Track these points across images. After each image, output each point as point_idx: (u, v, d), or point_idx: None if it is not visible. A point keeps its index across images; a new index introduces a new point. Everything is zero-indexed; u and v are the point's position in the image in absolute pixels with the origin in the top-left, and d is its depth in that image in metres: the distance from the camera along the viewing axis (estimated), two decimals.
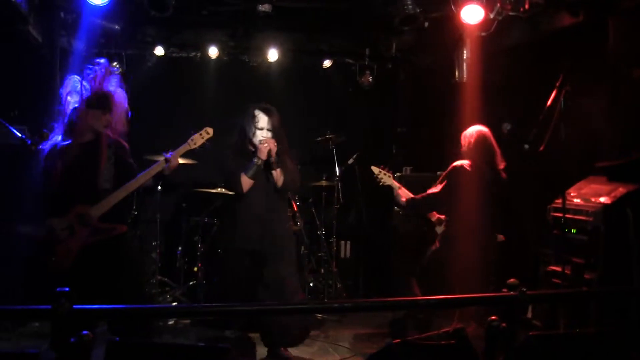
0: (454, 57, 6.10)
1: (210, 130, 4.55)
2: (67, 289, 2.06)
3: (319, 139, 6.71)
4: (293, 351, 4.74)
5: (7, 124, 4.16)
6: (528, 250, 5.39)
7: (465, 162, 4.84)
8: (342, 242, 7.41)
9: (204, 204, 6.79)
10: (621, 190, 4.31)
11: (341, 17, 6.50)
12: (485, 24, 5.39)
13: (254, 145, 4.60)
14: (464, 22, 5.28)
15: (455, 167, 4.86)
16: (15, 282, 5.09)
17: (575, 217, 4.47)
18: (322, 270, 6.75)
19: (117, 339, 2.24)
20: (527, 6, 5.04)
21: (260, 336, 4.75)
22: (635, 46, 4.60)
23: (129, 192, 4.18)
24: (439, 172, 5.70)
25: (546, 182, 5.06)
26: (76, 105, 4.16)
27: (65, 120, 4.17)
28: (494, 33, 5.52)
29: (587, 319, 4.18)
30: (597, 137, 4.90)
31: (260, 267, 4.58)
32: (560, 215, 4.37)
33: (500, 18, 5.26)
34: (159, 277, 6.29)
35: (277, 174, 4.60)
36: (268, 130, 4.61)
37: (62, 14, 5.81)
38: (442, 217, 5.10)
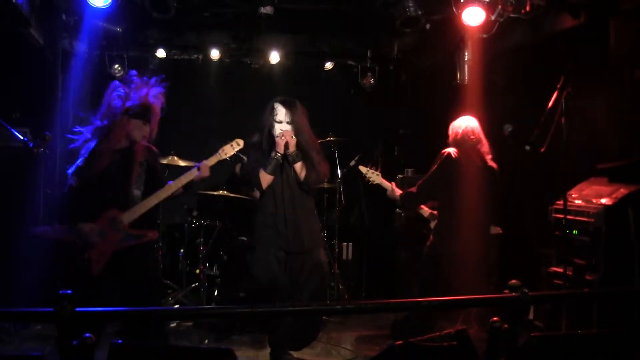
0: (455, 59, 6.11)
1: (241, 142, 4.57)
2: (69, 291, 2.06)
3: (320, 140, 6.71)
4: (295, 353, 4.74)
5: (9, 127, 4.16)
6: (530, 251, 5.39)
7: (452, 150, 4.81)
8: (345, 243, 7.41)
9: (206, 206, 6.80)
10: (622, 191, 4.31)
11: (343, 19, 6.51)
12: (487, 25, 5.39)
13: (273, 139, 4.48)
14: (465, 24, 5.28)
15: (444, 153, 4.83)
16: (24, 284, 5.07)
17: (577, 218, 4.47)
18: None
19: (120, 341, 2.25)
20: (528, 8, 5.05)
21: (267, 338, 4.72)
22: (637, 47, 4.60)
23: (160, 201, 4.20)
24: None
25: (548, 183, 5.07)
26: (117, 112, 4.13)
27: (104, 124, 4.15)
28: (495, 35, 5.52)
29: (589, 320, 4.18)
30: (599, 139, 4.90)
31: (290, 268, 4.50)
32: (562, 216, 4.36)
33: (501, 20, 5.26)
34: (161, 280, 6.29)
35: (298, 168, 4.45)
36: (287, 123, 4.45)
37: (63, 16, 5.81)
38: (435, 212, 5.08)
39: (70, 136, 4.21)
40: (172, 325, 5.66)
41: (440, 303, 2.82)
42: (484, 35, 5.60)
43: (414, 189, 4.94)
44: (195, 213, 6.57)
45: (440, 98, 6.70)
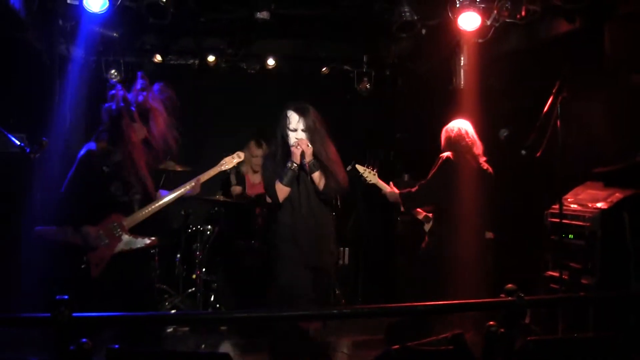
0: (451, 64, 6.14)
1: (242, 155, 4.57)
2: (66, 296, 2.06)
3: None
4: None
5: (5, 132, 4.16)
6: (526, 255, 5.39)
7: (448, 153, 4.82)
8: (341, 248, 7.40)
9: (202, 211, 6.79)
10: (618, 195, 4.33)
11: (339, 24, 6.52)
12: (482, 30, 5.41)
13: (289, 149, 4.18)
14: (461, 29, 5.30)
15: (442, 157, 4.84)
16: (23, 287, 5.05)
17: (573, 222, 4.48)
18: None
19: (117, 346, 2.25)
20: (523, 13, 5.07)
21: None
22: (632, 52, 4.63)
23: (157, 210, 4.22)
24: None
25: (543, 187, 5.07)
26: (114, 114, 4.14)
27: (107, 128, 4.17)
28: (491, 40, 5.54)
29: (586, 323, 4.19)
30: (594, 143, 4.91)
31: (311, 282, 4.26)
32: (558, 220, 4.37)
33: (497, 25, 5.28)
34: (158, 285, 6.28)
35: (317, 178, 4.16)
36: (302, 131, 4.17)
37: (60, 22, 5.80)
38: (430, 215, 5.08)
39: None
40: (169, 330, 5.66)
41: (436, 307, 2.82)
42: (480, 40, 5.61)
43: (415, 189, 4.95)
44: (191, 218, 6.57)
45: (437, 103, 6.71)
